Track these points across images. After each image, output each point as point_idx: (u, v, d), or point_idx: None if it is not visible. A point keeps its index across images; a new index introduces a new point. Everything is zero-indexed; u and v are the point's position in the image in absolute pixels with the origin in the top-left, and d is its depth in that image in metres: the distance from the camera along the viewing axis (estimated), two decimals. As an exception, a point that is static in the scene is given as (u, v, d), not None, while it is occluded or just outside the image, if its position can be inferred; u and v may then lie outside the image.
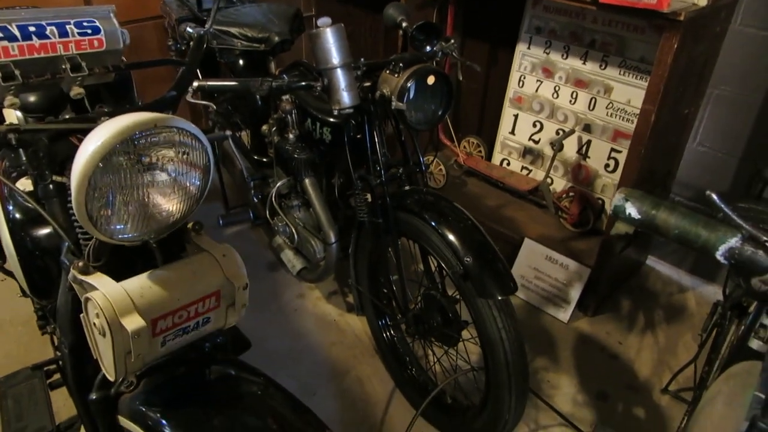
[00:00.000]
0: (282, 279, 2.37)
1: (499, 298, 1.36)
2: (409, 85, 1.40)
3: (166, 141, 0.82)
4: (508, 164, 2.67)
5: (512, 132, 2.61)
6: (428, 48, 1.51)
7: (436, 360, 1.82)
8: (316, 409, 0.93)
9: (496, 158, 2.69)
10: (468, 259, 1.38)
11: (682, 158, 2.28)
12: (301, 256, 2.09)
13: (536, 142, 2.53)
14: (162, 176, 0.84)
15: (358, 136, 1.62)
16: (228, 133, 2.14)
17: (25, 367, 1.44)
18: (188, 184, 0.88)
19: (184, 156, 0.85)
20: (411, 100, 1.47)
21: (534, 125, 2.52)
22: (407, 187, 1.62)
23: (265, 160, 2.25)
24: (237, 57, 2.27)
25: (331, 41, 1.38)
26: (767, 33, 2.01)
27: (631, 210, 0.71)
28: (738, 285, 1.06)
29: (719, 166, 2.21)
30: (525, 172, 2.61)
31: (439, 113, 1.50)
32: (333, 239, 1.87)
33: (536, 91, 2.46)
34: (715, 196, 0.63)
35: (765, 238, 0.60)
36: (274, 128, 1.98)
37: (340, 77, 1.41)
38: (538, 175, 2.54)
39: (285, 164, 1.99)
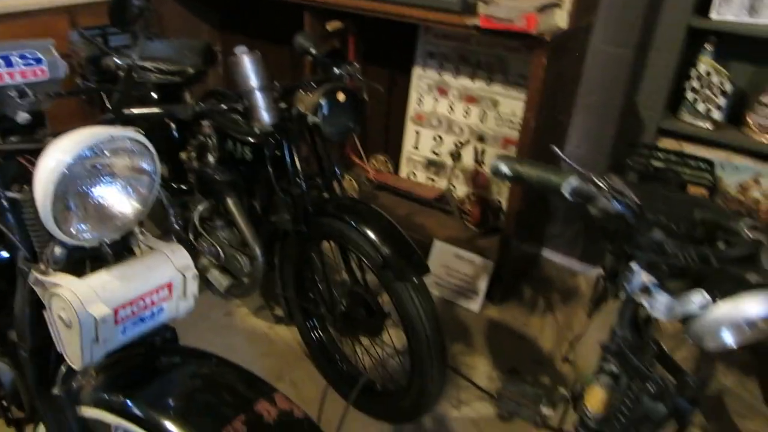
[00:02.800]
0: (209, 301, 2.44)
1: (415, 280, 1.55)
2: (322, 101, 1.58)
3: (121, 149, 0.95)
4: (414, 176, 2.91)
5: (416, 147, 2.85)
6: (335, 71, 1.71)
7: (364, 353, 1.97)
8: None
9: (403, 172, 2.93)
10: (385, 250, 1.56)
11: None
12: (227, 273, 2.19)
13: (437, 155, 2.79)
14: (116, 182, 0.97)
15: (278, 153, 1.77)
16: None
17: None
18: (139, 188, 1.01)
19: (134, 163, 0.99)
20: (327, 116, 1.66)
21: (434, 139, 2.77)
22: (326, 195, 1.78)
23: (184, 187, 2.34)
24: (150, 90, 2.36)
25: (248, 66, 1.55)
26: (620, 50, 2.37)
27: (504, 168, 0.93)
28: (610, 252, 1.30)
29: (590, 162, 2.54)
30: (430, 182, 2.86)
31: (351, 126, 1.69)
32: (259, 253, 1.99)
33: (434, 108, 2.72)
34: (556, 149, 0.86)
35: (591, 177, 0.83)
36: (193, 154, 2.09)
37: (260, 99, 1.57)
38: (442, 184, 2.79)
39: (206, 187, 2.10)
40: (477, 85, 2.57)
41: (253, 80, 1.55)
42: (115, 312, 0.97)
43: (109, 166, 0.95)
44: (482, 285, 2.39)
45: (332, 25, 2.47)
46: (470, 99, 2.60)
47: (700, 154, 2.16)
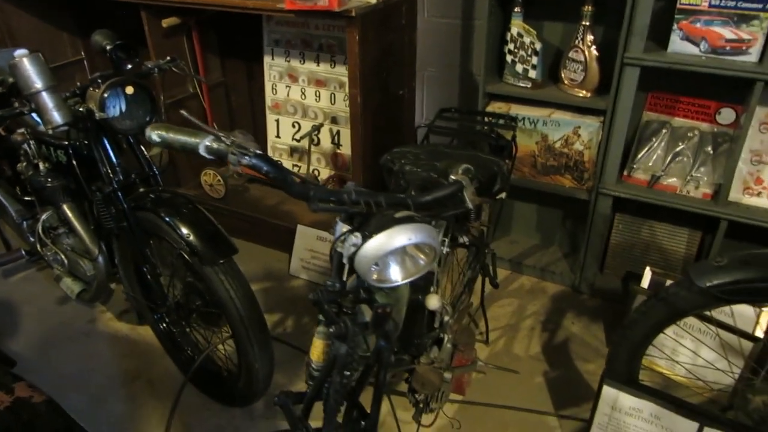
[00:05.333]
0: (72, 309, 2.43)
1: (221, 261, 1.58)
2: (105, 95, 1.59)
3: None
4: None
5: (278, 135, 2.88)
6: (129, 65, 1.71)
7: (216, 342, 2.00)
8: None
9: (270, 161, 2.94)
10: (191, 237, 1.59)
11: (414, 132, 2.68)
12: (78, 280, 2.18)
13: (298, 141, 2.82)
14: None
15: (86, 153, 1.77)
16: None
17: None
18: None
19: None
20: (125, 111, 1.67)
21: (293, 126, 2.81)
22: (141, 190, 1.79)
23: (28, 198, 2.31)
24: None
25: (30, 68, 1.54)
26: (448, 20, 2.46)
27: (154, 136, 0.97)
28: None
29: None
30: (296, 168, 2.89)
31: (147, 119, 1.71)
32: (96, 254, 1.99)
33: (287, 95, 2.76)
34: (185, 113, 0.91)
35: (220, 136, 0.88)
36: (25, 164, 2.07)
37: (47, 99, 1.57)
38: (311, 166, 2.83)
39: (42, 195, 2.08)
40: (322, 68, 2.61)
41: (37, 82, 1.54)
42: None
43: None
44: (342, 262, 2.44)
45: (167, 22, 2.47)
46: (319, 83, 2.64)
47: (524, 113, 2.26)
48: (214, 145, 0.90)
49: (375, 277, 0.88)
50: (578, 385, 2.02)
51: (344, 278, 1.00)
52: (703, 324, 1.88)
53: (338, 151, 2.72)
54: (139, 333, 2.29)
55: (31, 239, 2.31)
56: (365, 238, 0.85)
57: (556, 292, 2.48)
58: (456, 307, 1.76)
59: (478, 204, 1.10)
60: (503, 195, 1.66)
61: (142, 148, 1.82)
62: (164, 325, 2.04)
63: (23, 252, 2.34)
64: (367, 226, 0.87)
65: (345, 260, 0.92)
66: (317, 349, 1.02)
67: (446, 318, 1.64)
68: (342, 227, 0.96)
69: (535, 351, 2.17)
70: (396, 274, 0.89)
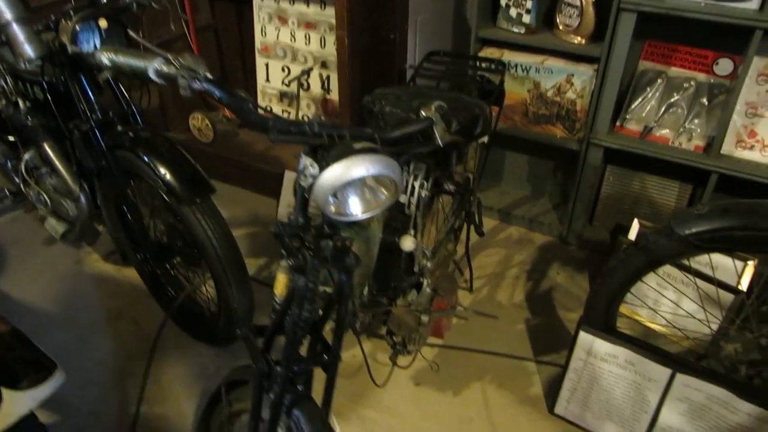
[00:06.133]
0: (58, 251, 2.43)
1: (198, 201, 1.57)
2: (78, 27, 1.54)
3: None
4: (271, 110, 2.89)
5: (267, 80, 2.82)
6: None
7: (199, 281, 2.00)
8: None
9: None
10: (167, 176, 1.57)
11: (404, 76, 2.62)
12: (62, 220, 2.18)
13: (288, 86, 2.77)
14: None
15: (62, 89, 1.74)
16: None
17: None
18: None
19: None
20: (101, 47, 1.62)
21: (283, 70, 2.75)
22: (120, 128, 1.76)
23: (11, 138, 2.29)
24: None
25: (-2, -2, 1.49)
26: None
27: (104, 59, 0.94)
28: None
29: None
30: (285, 114, 2.85)
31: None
32: (77, 193, 1.98)
33: (277, 38, 2.69)
34: (131, 32, 0.88)
35: (169, 58, 0.85)
36: (4, 102, 2.03)
37: (18, 31, 1.52)
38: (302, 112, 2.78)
39: (23, 134, 2.06)
40: (312, 10, 2.54)
41: (6, 12, 1.50)
42: None
43: None
44: (329, 209, 2.43)
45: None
46: (309, 25, 2.57)
47: (517, 60, 2.21)
48: (164, 69, 0.87)
49: (333, 209, 0.86)
50: (559, 332, 2.03)
51: (308, 213, 0.98)
52: (684, 275, 1.87)
53: (328, 96, 2.67)
54: (124, 274, 2.30)
55: (16, 180, 2.30)
56: (322, 169, 0.83)
57: (544, 242, 2.47)
58: (437, 253, 1.75)
59: (449, 142, 1.07)
60: (485, 139, 1.63)
61: (121, 85, 1.78)
62: (148, 266, 2.04)
63: (8, 192, 2.32)
64: (326, 157, 0.85)
65: (307, 193, 0.90)
66: (280, 284, 1.01)
67: (425, 262, 1.64)
68: (306, 160, 0.94)
69: (518, 299, 2.17)
70: (356, 208, 0.88)
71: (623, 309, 2.05)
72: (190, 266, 1.89)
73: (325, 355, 1.00)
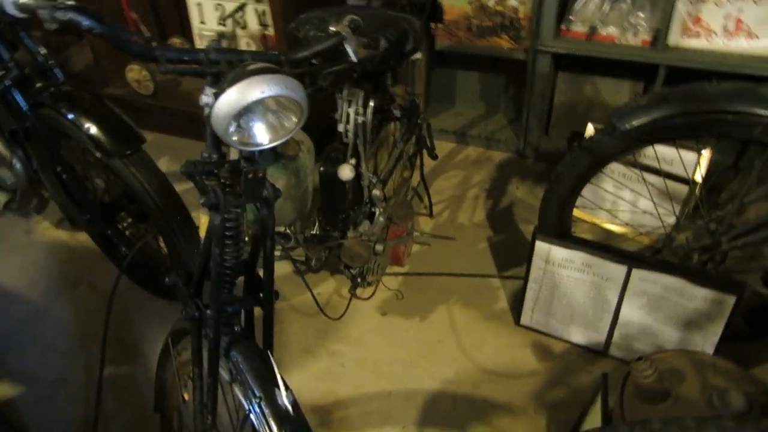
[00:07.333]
0: (8, 222, 2.35)
1: (128, 153, 1.50)
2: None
3: None
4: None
5: (202, 21, 2.68)
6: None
7: (137, 239, 1.95)
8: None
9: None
10: (92, 130, 1.49)
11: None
12: (2, 190, 2.09)
13: (225, 25, 2.63)
14: None
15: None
16: None
17: None
18: None
19: None
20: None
21: (216, 9, 2.61)
22: (39, 85, 1.66)
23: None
24: None
25: None
26: None
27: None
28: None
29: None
30: (226, 56, 2.72)
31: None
32: (14, 160, 1.89)
33: (205, -26, 2.53)
34: None
35: None
36: None
37: None
38: (237, 55, 2.66)
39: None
40: (237, -60, 2.38)
41: None
42: None
43: None
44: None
45: None
46: (236, -43, 2.42)
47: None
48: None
49: (236, 139, 0.81)
50: (521, 246, 2.03)
51: (221, 148, 0.93)
52: (633, 172, 1.86)
53: (266, 32, 2.55)
54: (77, 239, 2.24)
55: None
56: (216, 96, 0.77)
57: (502, 159, 2.44)
58: (387, 181, 1.71)
59: (365, 57, 1.01)
60: (418, 55, 1.56)
61: (31, 38, 1.66)
62: (97, 227, 1.98)
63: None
64: (221, 83, 0.78)
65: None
66: (202, 225, 0.97)
67: (375, 191, 1.60)
68: (210, 91, 0.88)
69: (479, 219, 2.16)
70: (262, 136, 0.82)
71: (583, 214, 2.05)
72: (138, 221, 1.83)
73: (260, 293, 0.97)
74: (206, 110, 0.82)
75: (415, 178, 2.11)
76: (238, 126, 0.81)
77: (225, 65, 0.85)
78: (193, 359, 0.99)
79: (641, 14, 2.00)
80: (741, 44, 1.91)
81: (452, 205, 2.23)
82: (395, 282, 1.92)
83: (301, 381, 1.63)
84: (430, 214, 2.18)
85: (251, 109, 0.78)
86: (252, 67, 0.79)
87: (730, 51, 1.93)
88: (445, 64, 2.53)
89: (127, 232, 1.99)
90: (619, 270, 1.52)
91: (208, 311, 0.92)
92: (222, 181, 0.90)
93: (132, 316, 1.91)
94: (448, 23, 2.26)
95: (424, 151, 2.00)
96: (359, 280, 1.65)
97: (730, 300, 1.39)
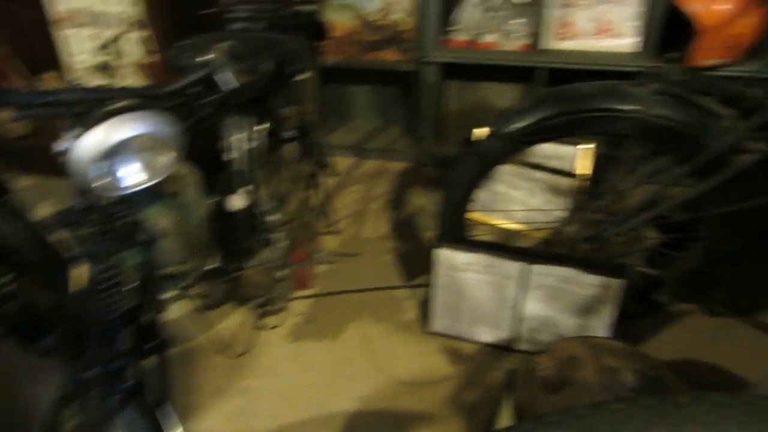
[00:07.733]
0: None
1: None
2: None
3: None
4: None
5: (75, 54, 2.55)
6: None
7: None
8: None
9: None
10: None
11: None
12: None
13: (106, 55, 2.51)
14: None
15: None
16: None
17: None
18: None
19: None
20: None
21: (91, 39, 2.48)
22: None
23: None
24: None
25: None
26: None
27: None
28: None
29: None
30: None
31: None
32: None
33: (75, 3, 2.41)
34: None
35: None
36: None
37: None
38: (122, 83, 2.55)
39: None
40: (106, -33, 2.28)
41: None
42: None
43: None
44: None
45: None
46: (106, -15, 2.32)
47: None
48: None
49: (103, 183, 0.77)
50: (425, 254, 2.04)
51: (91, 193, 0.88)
52: (523, 171, 1.95)
53: (153, 59, 2.45)
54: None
55: None
56: (72, 142, 0.73)
57: (401, 169, 2.48)
58: (283, 204, 1.69)
59: (246, 83, 0.99)
60: (306, 75, 1.56)
61: None
62: None
63: None
64: (79, 126, 0.74)
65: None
66: (74, 277, 0.91)
67: (271, 217, 1.57)
68: (69, 135, 0.83)
69: (383, 231, 2.18)
70: (134, 177, 0.78)
71: (481, 217, 2.11)
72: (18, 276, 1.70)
73: (151, 343, 0.92)
74: (65, 156, 0.78)
75: (318, 197, 2.10)
76: (109, 169, 0.77)
77: (86, 105, 0.81)
78: (83, 426, 0.93)
79: (519, 20, 2.10)
80: (608, 43, 2.05)
81: (356, 220, 2.24)
82: (304, 305, 1.89)
83: (214, 424, 1.57)
84: (334, 232, 2.17)
85: (116, 151, 0.74)
86: (117, 105, 0.75)
87: (598, 50, 2.06)
88: (337, 80, 2.54)
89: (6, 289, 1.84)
90: (516, 267, 1.58)
91: (92, 370, 0.86)
92: (94, 229, 0.85)
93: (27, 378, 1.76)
94: (336, 39, 2.27)
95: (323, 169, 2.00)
96: (265, 309, 1.61)
97: (615, 283, 1.48)
